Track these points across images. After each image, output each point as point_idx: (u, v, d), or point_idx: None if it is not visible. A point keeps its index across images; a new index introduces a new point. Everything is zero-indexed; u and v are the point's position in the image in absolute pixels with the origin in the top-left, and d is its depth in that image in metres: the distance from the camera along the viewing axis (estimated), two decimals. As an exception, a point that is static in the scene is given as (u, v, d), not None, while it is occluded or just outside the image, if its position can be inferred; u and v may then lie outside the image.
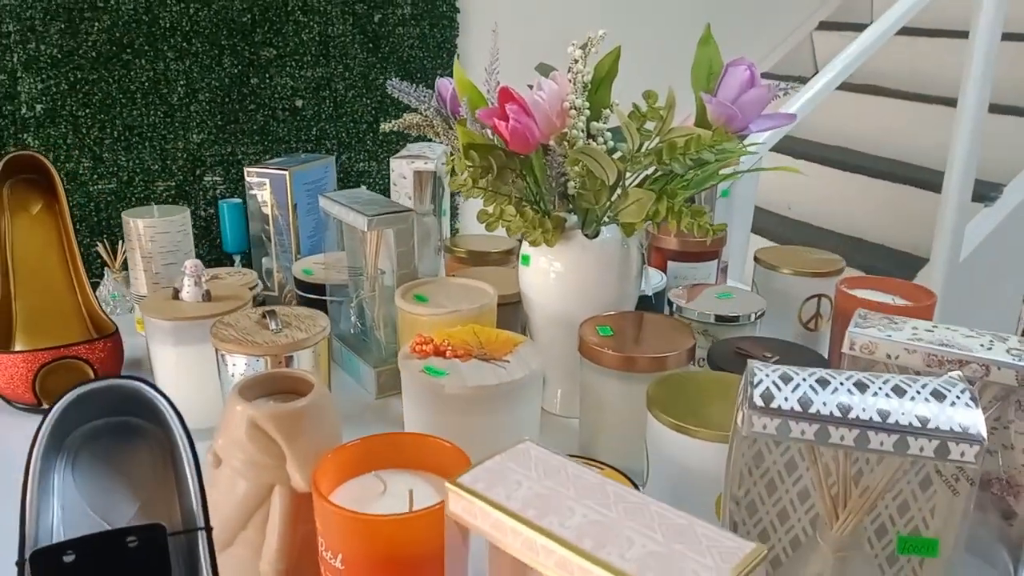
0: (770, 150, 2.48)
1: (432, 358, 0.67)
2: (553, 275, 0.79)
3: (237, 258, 1.20)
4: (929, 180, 2.04)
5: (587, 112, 0.76)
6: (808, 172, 2.47)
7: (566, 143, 0.75)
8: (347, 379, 0.92)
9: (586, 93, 0.76)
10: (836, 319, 0.91)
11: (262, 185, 1.04)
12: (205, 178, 1.30)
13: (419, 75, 1.45)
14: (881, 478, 0.46)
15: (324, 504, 0.48)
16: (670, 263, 1.06)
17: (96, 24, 1.21)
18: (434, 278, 0.86)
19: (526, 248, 0.81)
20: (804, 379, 0.46)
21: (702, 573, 0.31)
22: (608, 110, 0.78)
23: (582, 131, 0.75)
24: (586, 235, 0.78)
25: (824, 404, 0.44)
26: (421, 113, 0.77)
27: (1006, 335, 0.54)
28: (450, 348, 0.68)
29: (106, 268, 1.10)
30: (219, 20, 1.28)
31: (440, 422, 0.65)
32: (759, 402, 0.45)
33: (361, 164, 1.44)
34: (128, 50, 1.23)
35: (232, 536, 0.56)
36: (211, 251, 1.33)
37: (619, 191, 0.74)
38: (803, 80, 1.81)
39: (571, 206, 0.79)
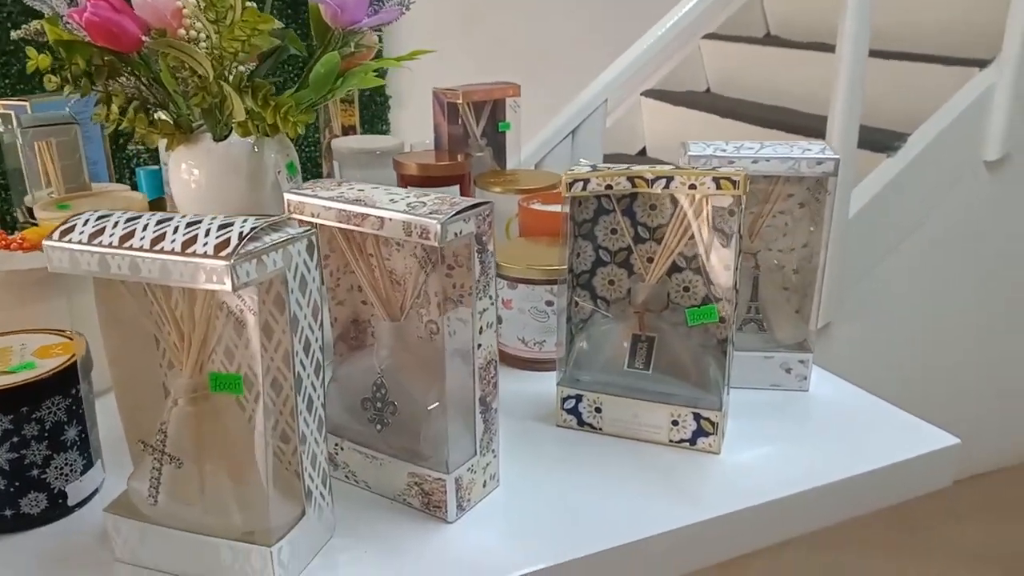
0: (665, 102, 2.44)
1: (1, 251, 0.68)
2: (193, 184, 0.79)
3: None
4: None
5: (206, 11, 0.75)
6: (724, 127, 2.41)
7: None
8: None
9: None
10: (521, 232, 0.89)
11: (8, 119, 1.06)
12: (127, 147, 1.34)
13: None
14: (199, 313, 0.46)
15: None
16: (410, 188, 1.05)
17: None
18: (104, 191, 0.87)
19: (166, 153, 0.81)
20: (120, 217, 0.45)
21: None
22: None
23: (202, 33, 0.75)
24: (213, 138, 0.78)
25: (111, 236, 0.43)
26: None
27: (441, 199, 0.52)
28: (20, 241, 0.68)
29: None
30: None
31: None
32: (55, 236, 0.44)
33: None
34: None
35: None
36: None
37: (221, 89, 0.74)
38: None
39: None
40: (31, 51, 0.72)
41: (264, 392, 0.46)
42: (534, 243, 0.81)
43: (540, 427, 0.66)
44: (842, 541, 1.93)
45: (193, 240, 0.42)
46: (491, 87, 1.18)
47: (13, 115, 1.06)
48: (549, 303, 0.72)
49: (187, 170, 0.79)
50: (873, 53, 1.81)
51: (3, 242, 0.68)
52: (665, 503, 0.57)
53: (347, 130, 1.24)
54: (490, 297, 0.53)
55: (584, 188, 0.60)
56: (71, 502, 0.54)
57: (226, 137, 0.78)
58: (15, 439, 0.51)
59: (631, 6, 2.31)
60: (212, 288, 0.41)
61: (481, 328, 0.53)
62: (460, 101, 1.12)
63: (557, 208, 0.86)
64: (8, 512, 0.52)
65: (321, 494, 0.50)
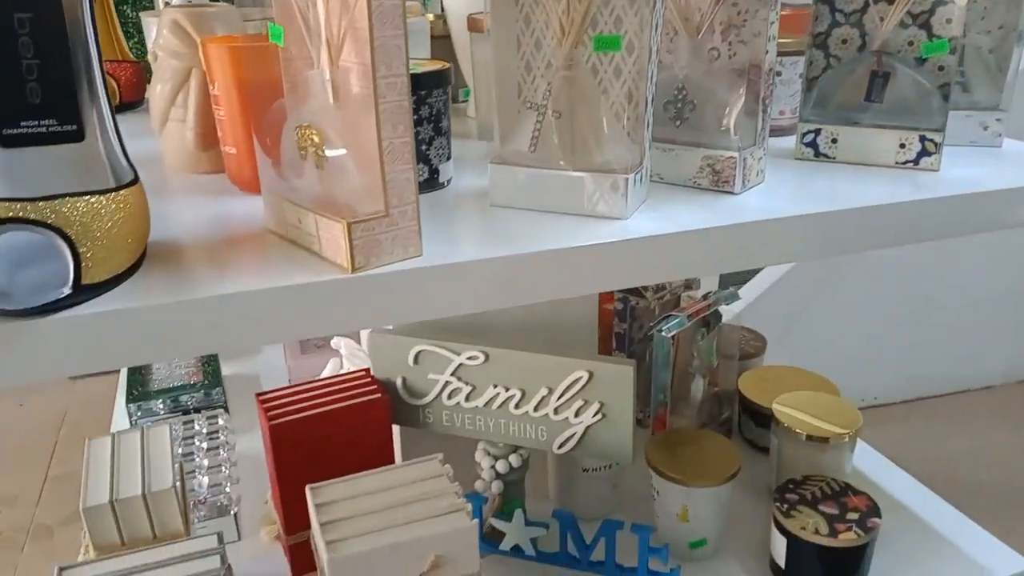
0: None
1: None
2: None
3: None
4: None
5: None
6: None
7: None
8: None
9: None
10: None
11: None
12: None
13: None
14: (583, -4, 0.61)
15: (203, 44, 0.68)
16: None
17: None
18: None
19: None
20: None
21: None
22: None
23: None
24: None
25: (529, -71, 0.59)
26: None
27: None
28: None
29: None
30: None
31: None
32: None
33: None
34: None
35: (166, 115, 0.77)
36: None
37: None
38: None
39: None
40: None
41: (625, 58, 0.61)
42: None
43: (780, 160, 0.80)
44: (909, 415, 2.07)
45: (596, -75, 0.57)
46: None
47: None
48: (778, 73, 0.86)
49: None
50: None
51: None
52: (891, 189, 0.70)
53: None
54: (776, 11, 0.67)
55: (839, -58, 0.73)
56: (440, 179, 0.71)
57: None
58: (414, 117, 0.68)
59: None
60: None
61: (769, 37, 0.67)
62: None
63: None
64: (403, 176, 0.69)
65: (648, 156, 0.65)
